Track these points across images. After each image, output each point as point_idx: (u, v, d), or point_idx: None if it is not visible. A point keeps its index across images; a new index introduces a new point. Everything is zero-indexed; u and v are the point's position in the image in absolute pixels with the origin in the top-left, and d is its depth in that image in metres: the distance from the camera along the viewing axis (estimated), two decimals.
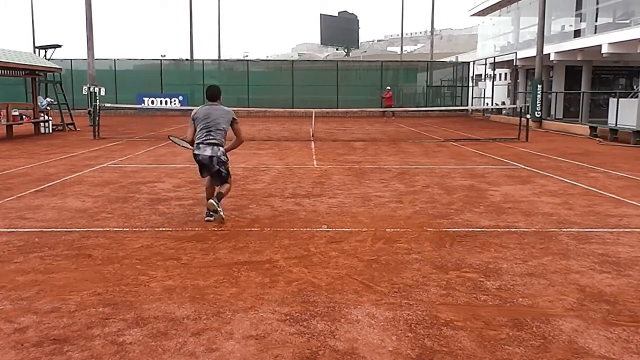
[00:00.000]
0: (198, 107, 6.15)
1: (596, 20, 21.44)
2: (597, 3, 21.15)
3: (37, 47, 22.40)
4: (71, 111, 20.22)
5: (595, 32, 20.59)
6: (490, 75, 28.88)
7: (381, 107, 27.91)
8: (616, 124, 16.83)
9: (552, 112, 23.99)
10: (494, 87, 28.94)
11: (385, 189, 8.02)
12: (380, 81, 32.04)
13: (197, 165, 6.09)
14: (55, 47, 20.17)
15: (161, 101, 29.93)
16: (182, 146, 6.37)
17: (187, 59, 36.50)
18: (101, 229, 5.61)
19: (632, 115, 16.33)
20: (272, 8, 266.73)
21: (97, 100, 18.21)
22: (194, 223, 5.86)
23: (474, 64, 32.57)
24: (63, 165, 10.33)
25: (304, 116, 25.69)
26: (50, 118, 18.43)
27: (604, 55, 19.18)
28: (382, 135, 18.14)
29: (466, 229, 5.70)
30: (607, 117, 18.14)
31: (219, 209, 5.72)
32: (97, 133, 16.07)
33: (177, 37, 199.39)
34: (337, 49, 76.50)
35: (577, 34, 22.30)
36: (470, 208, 6.73)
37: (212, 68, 35.37)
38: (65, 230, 5.54)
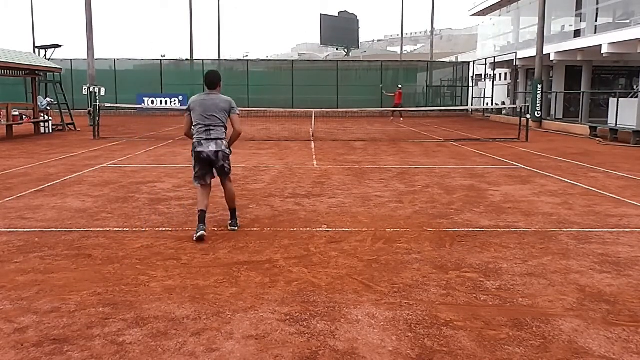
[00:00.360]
0: (195, 97, 5.60)
1: (596, 20, 21.44)
2: (597, 3, 21.15)
3: (37, 47, 22.40)
4: (71, 111, 20.22)
5: (595, 32, 20.59)
6: (490, 75, 28.88)
7: (389, 107, 27.79)
8: (616, 124, 16.83)
9: (552, 112, 23.99)
10: (494, 87, 28.93)
11: (385, 189, 8.02)
12: (380, 81, 32.02)
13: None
14: (55, 47, 20.17)
15: (161, 101, 29.92)
16: None
17: (187, 59, 36.49)
18: (101, 229, 5.61)
19: (632, 115, 16.34)
20: (272, 8, 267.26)
21: (97, 100, 18.22)
22: (194, 223, 5.83)
23: (474, 64, 32.58)
24: (63, 165, 10.33)
25: (304, 116, 25.70)
26: (50, 118, 18.43)
27: (604, 55, 19.18)
28: (382, 135, 18.14)
29: (466, 229, 5.70)
30: (607, 117, 18.14)
31: (237, 225, 5.66)
32: (97, 133, 16.08)
33: (177, 37, 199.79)
34: (337, 49, 76.46)
35: (577, 34, 22.30)
36: (470, 208, 6.73)
37: (212, 68, 35.17)
38: (65, 230, 5.55)
